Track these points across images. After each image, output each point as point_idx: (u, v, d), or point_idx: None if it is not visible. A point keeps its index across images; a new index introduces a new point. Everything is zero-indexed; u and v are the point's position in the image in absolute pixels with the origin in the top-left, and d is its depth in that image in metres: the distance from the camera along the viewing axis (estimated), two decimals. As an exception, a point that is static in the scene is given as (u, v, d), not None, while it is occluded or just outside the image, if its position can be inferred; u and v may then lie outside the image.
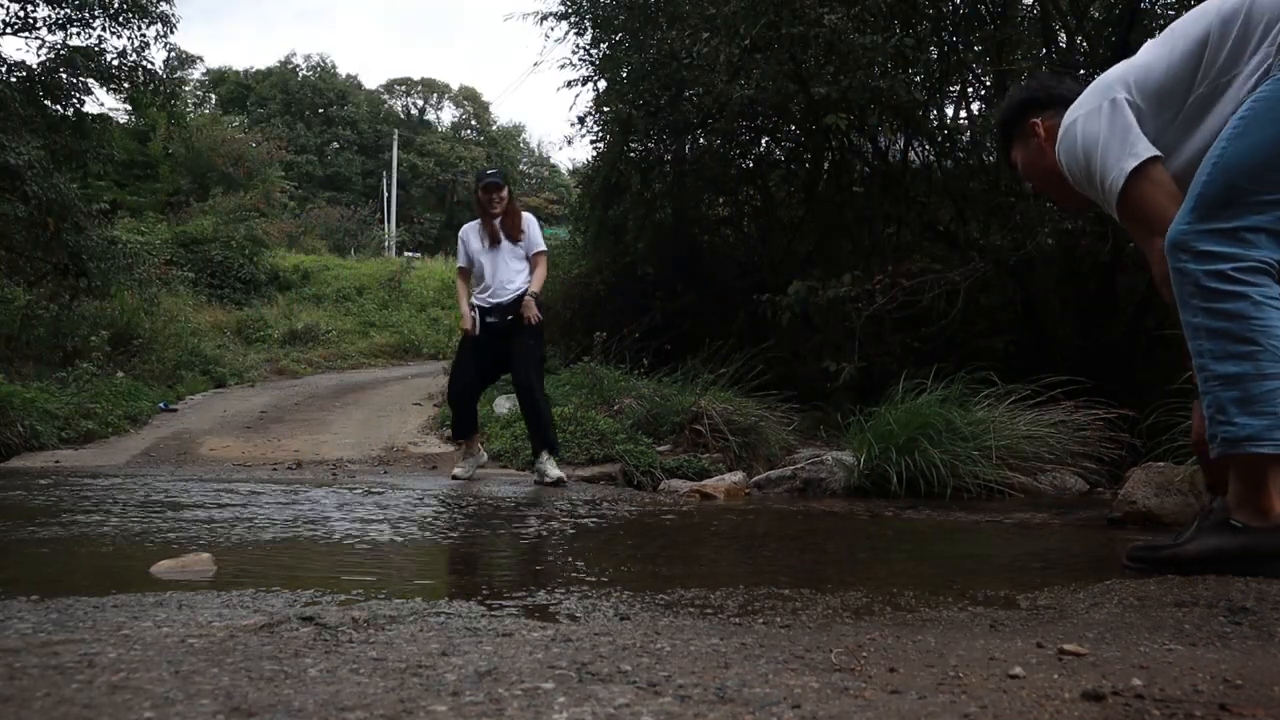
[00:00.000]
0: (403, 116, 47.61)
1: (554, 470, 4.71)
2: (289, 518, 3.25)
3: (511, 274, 4.88)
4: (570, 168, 29.32)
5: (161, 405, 8.65)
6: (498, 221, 4.93)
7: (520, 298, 4.83)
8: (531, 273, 4.91)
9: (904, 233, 7.58)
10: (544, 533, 3.06)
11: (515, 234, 4.90)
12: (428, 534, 3.01)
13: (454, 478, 4.93)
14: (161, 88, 10.77)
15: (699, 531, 3.34)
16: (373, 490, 4.31)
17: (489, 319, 4.86)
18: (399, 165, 37.86)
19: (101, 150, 10.32)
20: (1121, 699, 1.07)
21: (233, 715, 0.97)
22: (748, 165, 8.75)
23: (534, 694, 1.07)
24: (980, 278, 5.99)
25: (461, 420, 5.11)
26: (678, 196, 8.47)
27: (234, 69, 44.09)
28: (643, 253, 8.44)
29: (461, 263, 5.06)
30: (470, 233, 5.05)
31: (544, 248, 4.99)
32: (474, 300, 4.93)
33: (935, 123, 7.20)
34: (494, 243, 4.91)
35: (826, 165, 8.13)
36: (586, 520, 3.42)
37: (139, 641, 1.33)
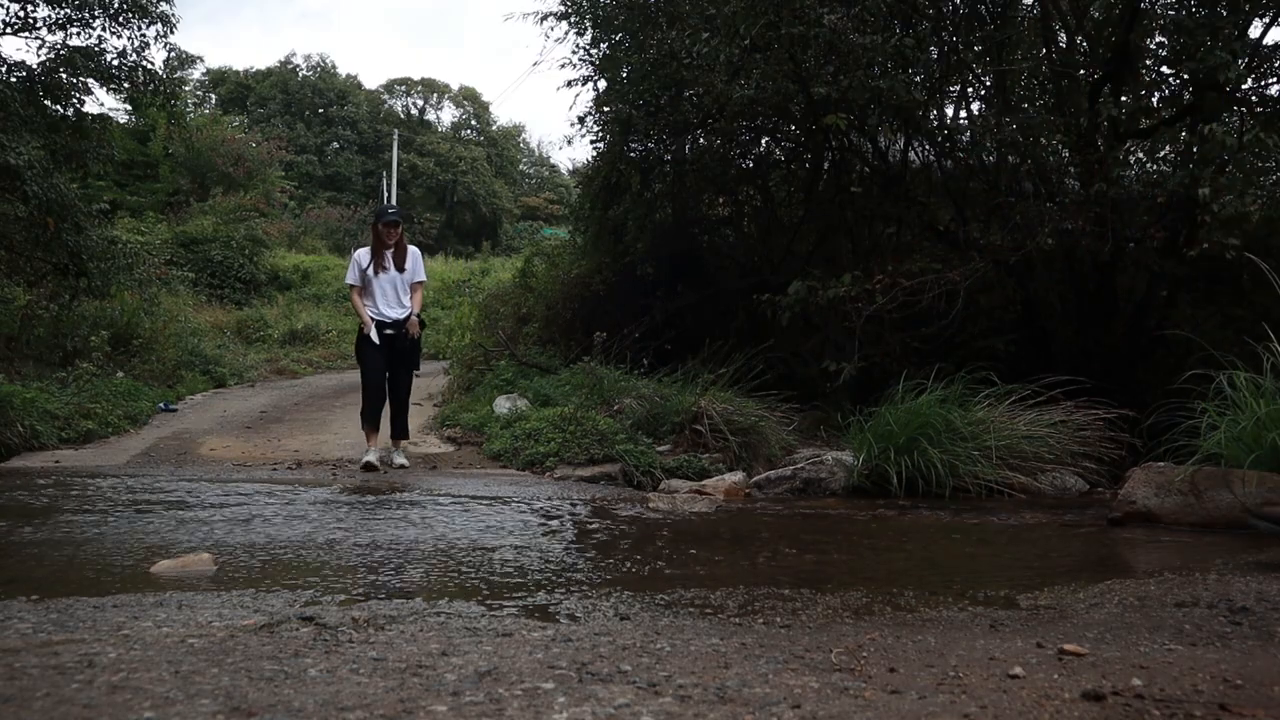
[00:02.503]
0: (403, 116, 47.52)
1: (400, 459, 5.64)
2: (289, 517, 3.25)
3: (401, 296, 5.75)
4: (570, 168, 29.26)
5: (161, 405, 8.64)
6: (389, 253, 5.70)
7: (409, 316, 5.73)
8: (412, 296, 5.82)
9: (904, 233, 7.57)
10: (543, 532, 3.06)
11: (402, 265, 5.73)
12: (427, 533, 3.01)
13: (365, 466, 5.44)
14: (161, 88, 10.73)
15: (699, 531, 3.34)
16: (371, 490, 4.32)
17: (386, 330, 5.67)
18: (399, 165, 37.83)
19: (101, 150, 10.27)
20: (1121, 699, 1.07)
21: (233, 715, 0.97)
22: (748, 165, 8.73)
23: (534, 694, 1.06)
24: (980, 278, 5.97)
25: (376, 410, 5.81)
26: (678, 196, 8.45)
27: (234, 69, 44.00)
28: (643, 253, 8.40)
29: (352, 280, 5.83)
30: (363, 257, 5.84)
31: (424, 278, 5.89)
32: (369, 314, 5.72)
33: (935, 123, 7.18)
34: (382, 269, 5.70)
35: (826, 165, 8.11)
36: (586, 520, 3.42)
37: (139, 641, 1.33)
